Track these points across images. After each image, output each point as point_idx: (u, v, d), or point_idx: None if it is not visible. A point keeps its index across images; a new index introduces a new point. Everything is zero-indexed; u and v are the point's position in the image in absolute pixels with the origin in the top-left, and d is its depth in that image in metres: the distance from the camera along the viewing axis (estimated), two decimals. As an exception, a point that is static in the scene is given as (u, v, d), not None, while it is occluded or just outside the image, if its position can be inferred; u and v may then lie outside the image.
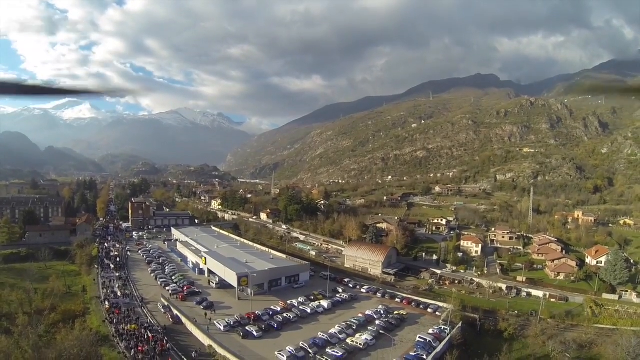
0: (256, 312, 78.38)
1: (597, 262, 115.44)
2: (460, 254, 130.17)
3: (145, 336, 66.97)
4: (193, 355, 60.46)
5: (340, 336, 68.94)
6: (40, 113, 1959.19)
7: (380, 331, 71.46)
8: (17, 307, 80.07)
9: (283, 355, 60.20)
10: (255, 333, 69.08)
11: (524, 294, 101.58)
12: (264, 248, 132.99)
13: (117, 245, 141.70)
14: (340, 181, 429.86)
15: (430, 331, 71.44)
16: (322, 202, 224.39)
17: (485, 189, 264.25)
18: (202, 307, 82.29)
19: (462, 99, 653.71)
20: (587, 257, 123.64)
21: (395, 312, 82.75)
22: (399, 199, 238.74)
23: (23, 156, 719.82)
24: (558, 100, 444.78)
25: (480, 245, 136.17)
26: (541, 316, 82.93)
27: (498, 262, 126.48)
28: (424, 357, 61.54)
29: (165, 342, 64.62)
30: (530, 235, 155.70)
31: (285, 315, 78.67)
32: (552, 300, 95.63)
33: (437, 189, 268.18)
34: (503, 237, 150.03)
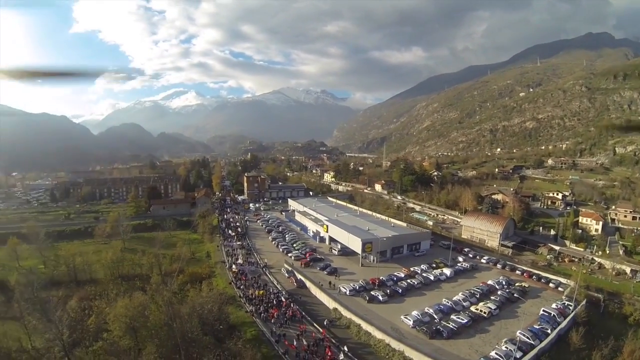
0: (380, 278, 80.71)
1: None
2: (579, 231, 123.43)
3: (275, 301, 71.08)
4: (325, 323, 62.26)
5: (464, 304, 70.16)
6: (151, 105, 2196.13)
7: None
8: (148, 269, 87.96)
9: (409, 319, 62.12)
10: (380, 297, 71.72)
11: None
12: (383, 217, 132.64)
13: (236, 216, 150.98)
14: (448, 154, 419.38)
15: (554, 306, 69.95)
16: (435, 173, 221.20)
17: (602, 163, 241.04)
18: (325, 273, 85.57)
19: (573, 63, 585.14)
20: None
21: (517, 284, 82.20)
22: (511, 171, 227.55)
23: (139, 143, 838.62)
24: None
25: (600, 223, 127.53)
26: (673, 305, 76.29)
27: (621, 242, 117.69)
28: (548, 331, 60.53)
29: (293, 306, 68.46)
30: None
31: (408, 281, 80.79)
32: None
33: (550, 161, 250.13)
34: (626, 216, 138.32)
